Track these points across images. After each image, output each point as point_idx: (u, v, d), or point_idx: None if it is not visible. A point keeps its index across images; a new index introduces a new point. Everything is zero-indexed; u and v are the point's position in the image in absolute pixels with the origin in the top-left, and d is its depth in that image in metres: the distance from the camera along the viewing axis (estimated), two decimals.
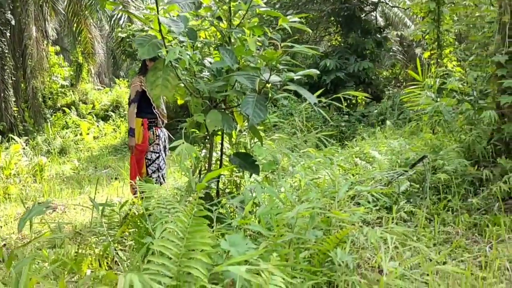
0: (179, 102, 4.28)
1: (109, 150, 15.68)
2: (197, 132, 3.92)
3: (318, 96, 4.02)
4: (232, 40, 3.84)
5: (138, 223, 3.13)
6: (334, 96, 4.07)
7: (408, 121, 10.60)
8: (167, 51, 3.16)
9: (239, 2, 3.61)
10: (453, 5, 8.33)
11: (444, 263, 4.24)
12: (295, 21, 3.68)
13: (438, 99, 6.72)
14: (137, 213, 3.57)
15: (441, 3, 8.65)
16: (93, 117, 19.18)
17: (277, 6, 15.22)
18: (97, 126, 18.41)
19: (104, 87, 23.99)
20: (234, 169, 4.03)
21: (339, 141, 11.46)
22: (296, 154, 4.27)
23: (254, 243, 2.33)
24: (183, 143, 2.95)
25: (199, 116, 3.51)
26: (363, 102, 16.40)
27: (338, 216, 2.87)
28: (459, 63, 8.41)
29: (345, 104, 15.56)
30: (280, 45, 3.27)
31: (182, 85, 3.66)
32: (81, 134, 17.18)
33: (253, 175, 3.87)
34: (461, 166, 5.72)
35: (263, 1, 3.79)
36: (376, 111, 14.40)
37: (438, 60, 8.79)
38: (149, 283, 1.57)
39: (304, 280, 2.51)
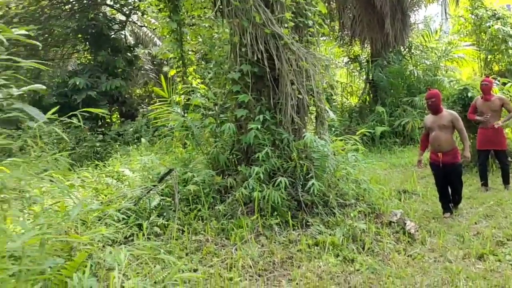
0: None
1: None
2: None
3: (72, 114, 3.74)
4: None
5: None
6: (79, 111, 3.84)
7: (163, 137, 10.84)
8: None
9: None
10: (195, 26, 8.84)
11: (195, 270, 4.41)
12: (21, 34, 3.35)
13: (185, 115, 7.02)
14: None
15: (182, 24, 9.13)
16: None
17: (15, 19, 13.85)
18: None
19: None
20: None
21: (97, 161, 11.01)
22: (36, 178, 3.88)
23: None
24: None
25: None
26: (118, 121, 16.19)
27: (78, 239, 2.69)
28: (202, 80, 8.97)
29: (100, 123, 15.15)
30: None
31: None
32: None
33: None
34: (208, 177, 6.07)
35: None
36: (131, 129, 14.36)
37: (184, 78, 9.24)
38: None
39: None
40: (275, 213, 5.48)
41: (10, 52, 3.39)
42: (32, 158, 8.24)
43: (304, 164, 5.76)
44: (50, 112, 3.51)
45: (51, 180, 3.87)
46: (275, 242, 5.06)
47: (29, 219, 3.28)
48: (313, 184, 5.51)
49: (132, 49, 16.87)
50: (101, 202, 4.97)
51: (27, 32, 3.45)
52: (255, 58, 5.86)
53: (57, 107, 4.47)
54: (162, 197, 5.58)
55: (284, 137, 5.93)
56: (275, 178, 5.66)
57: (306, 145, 5.90)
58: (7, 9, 14.45)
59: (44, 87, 3.23)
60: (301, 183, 5.81)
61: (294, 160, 5.80)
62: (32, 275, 2.45)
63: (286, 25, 5.98)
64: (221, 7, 6.02)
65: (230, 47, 6.27)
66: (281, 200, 5.40)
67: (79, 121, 3.93)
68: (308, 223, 5.46)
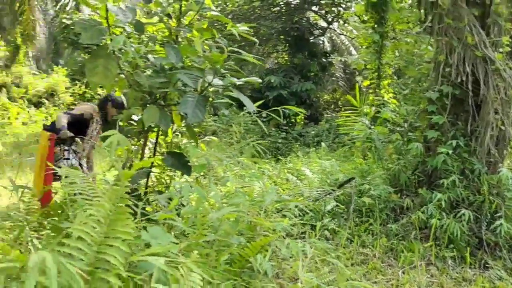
0: (117, 93, 4.18)
1: (37, 138, 14.97)
2: (133, 125, 3.85)
3: (259, 109, 4.07)
4: (179, 39, 3.82)
5: (58, 211, 3.01)
6: (273, 108, 4.13)
7: (342, 145, 10.96)
8: (111, 39, 3.09)
9: (191, 2, 3.60)
10: (396, 40, 8.74)
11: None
12: (244, 30, 3.72)
13: (372, 127, 7.00)
14: (58, 201, 3.43)
15: (385, 36, 9.08)
16: (24, 102, 18.28)
17: (229, 16, 15.32)
18: (28, 111, 17.55)
19: (41, 73, 22.97)
20: (165, 168, 3.98)
21: (274, 156, 11.61)
22: (230, 161, 4.29)
23: (176, 239, 2.32)
24: (116, 134, 2.88)
25: (137, 110, 3.46)
26: (302, 122, 16.75)
27: (263, 224, 2.91)
28: (394, 95, 8.82)
29: (285, 121, 15.89)
30: (227, 49, 3.29)
31: (123, 76, 3.59)
32: (9, 118, 16.30)
33: (184, 176, 3.84)
34: (385, 193, 5.97)
35: (217, 8, 3.81)
36: (313, 132, 14.74)
37: (376, 90, 9.18)
38: (63, 264, 1.51)
39: (222, 281, 2.51)
40: (452, 245, 5.15)
41: (239, 45, 3.78)
42: (226, 143, 9.01)
43: (494, 201, 5.30)
44: (257, 104, 3.84)
45: (245, 165, 4.24)
46: (446, 276, 4.77)
47: (226, 197, 3.63)
48: (501, 224, 5.04)
49: (327, 55, 17.28)
50: (280, 195, 5.25)
51: (247, 29, 3.83)
52: (459, 80, 5.56)
53: (263, 100, 4.83)
54: (336, 203, 5.67)
55: (476, 168, 5.51)
56: (457, 209, 5.32)
57: (501, 181, 5.41)
58: (224, 5, 16.06)
59: (259, 80, 3.55)
60: (486, 220, 5.36)
61: (483, 195, 5.37)
62: (220, 246, 2.73)
63: (500, 50, 5.55)
64: (430, 24, 5.84)
65: (434, 66, 6.04)
66: (461, 233, 5.06)
67: (274, 117, 4.22)
68: (487, 265, 5.02)
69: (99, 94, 16.17)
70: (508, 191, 5.46)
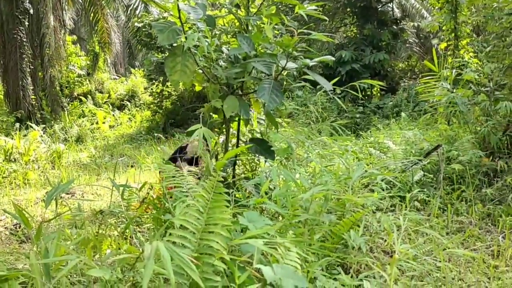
0: (197, 88, 4.35)
1: (125, 139, 15.86)
2: (215, 117, 4.00)
3: (334, 86, 4.06)
4: (250, 28, 3.90)
5: (157, 205, 3.21)
6: (350, 84, 4.11)
7: (423, 113, 10.57)
8: (186, 37, 3.23)
9: None
10: None
11: None
12: (312, 9, 3.72)
13: (454, 90, 6.70)
14: (155, 197, 3.66)
15: None
16: (109, 106, 19.40)
17: None
18: (113, 115, 18.62)
19: (120, 77, 24.21)
20: (250, 155, 4.10)
21: (353, 132, 11.46)
22: (311, 142, 4.32)
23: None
24: (201, 127, 3.02)
25: (217, 102, 3.59)
26: (378, 94, 16.35)
27: (352, 200, 2.93)
28: (475, 54, 8.35)
29: (361, 95, 15.59)
30: (297, 31, 3.31)
31: (200, 71, 3.74)
32: (97, 123, 17.40)
33: (268, 161, 3.94)
34: (475, 157, 5.72)
35: None
36: (391, 103, 14.36)
37: (455, 51, 8.74)
38: (176, 251, 1.65)
39: (318, 259, 2.57)
40: None
41: (308, 26, 3.79)
42: (303, 124, 9.04)
43: None
44: (333, 81, 3.83)
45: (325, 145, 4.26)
46: None
47: (312, 177, 3.69)
48: None
49: (398, 22, 16.67)
50: (366, 170, 5.20)
51: (316, 7, 3.82)
52: None
53: (338, 78, 4.80)
54: (424, 173, 5.53)
55: None
56: None
57: None
58: None
59: (332, 58, 3.55)
60: None
61: None
62: (314, 225, 2.80)
63: None
64: None
65: None
66: None
67: (356, 93, 4.19)
68: None
69: (175, 91, 16.74)
70: None
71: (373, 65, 15.20)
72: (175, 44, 3.70)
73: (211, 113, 3.96)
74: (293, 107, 6.33)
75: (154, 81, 16.50)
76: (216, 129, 4.05)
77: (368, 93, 15.89)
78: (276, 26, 3.86)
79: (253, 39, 3.55)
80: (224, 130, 4.01)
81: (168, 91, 16.87)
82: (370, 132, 9.73)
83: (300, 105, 13.27)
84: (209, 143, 3.21)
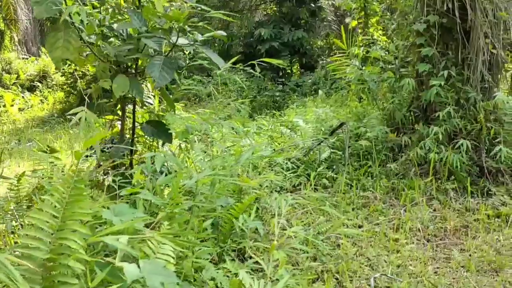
0: (90, 69, 4.06)
1: (36, 123, 14.91)
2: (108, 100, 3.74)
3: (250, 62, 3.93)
4: (144, 3, 3.66)
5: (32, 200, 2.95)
6: (259, 60, 3.97)
7: (339, 90, 10.75)
8: (64, 10, 2.94)
9: None
10: None
11: (360, 226, 4.37)
12: None
13: (363, 68, 6.80)
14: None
15: None
16: (18, 88, 18.14)
17: None
18: (23, 97, 17.43)
19: (30, 56, 22.69)
20: (148, 139, 3.89)
21: (275, 110, 11.46)
22: (217, 123, 4.17)
23: (151, 213, 2.25)
24: (83, 110, 2.77)
25: (105, 82, 3.33)
26: (298, 72, 16.48)
27: (246, 183, 2.83)
28: (385, 32, 8.55)
29: (281, 74, 15.65)
30: (187, 4, 3.12)
31: (89, 49, 3.46)
32: (4, 106, 16.22)
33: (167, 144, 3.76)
34: (382, 133, 5.85)
35: None
36: (310, 80, 14.51)
37: (365, 29, 8.90)
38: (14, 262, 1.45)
39: (210, 247, 2.45)
40: (452, 177, 5.08)
41: (203, 2, 3.60)
42: (221, 104, 8.88)
43: (491, 127, 5.18)
44: (232, 60, 3.69)
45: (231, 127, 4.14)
46: (449, 208, 4.72)
47: (209, 160, 3.55)
48: (500, 149, 4.95)
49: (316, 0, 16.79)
50: (274, 150, 5.16)
51: None
52: (445, 8, 5.34)
53: (238, 56, 4.68)
54: (332, 150, 5.58)
55: (471, 96, 5.36)
56: (455, 140, 5.22)
57: (497, 106, 5.27)
58: None
59: (224, 33, 3.39)
60: (486, 147, 5.26)
61: (480, 122, 5.25)
62: (204, 211, 2.67)
63: None
64: None
65: None
66: (460, 164, 4.98)
67: (260, 71, 4.09)
68: (490, 192, 4.97)
69: (88, 70, 15.93)
70: (505, 115, 5.33)
71: (292, 43, 15.25)
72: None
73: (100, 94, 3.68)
74: (189, 88, 6.15)
75: (66, 61, 15.53)
76: (107, 112, 3.78)
77: (288, 71, 15.96)
78: (174, 4, 3.65)
79: (144, 14, 3.32)
80: (118, 111, 3.76)
81: (82, 71, 16.00)
82: (285, 111, 9.76)
83: (219, 84, 13.08)
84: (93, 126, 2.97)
